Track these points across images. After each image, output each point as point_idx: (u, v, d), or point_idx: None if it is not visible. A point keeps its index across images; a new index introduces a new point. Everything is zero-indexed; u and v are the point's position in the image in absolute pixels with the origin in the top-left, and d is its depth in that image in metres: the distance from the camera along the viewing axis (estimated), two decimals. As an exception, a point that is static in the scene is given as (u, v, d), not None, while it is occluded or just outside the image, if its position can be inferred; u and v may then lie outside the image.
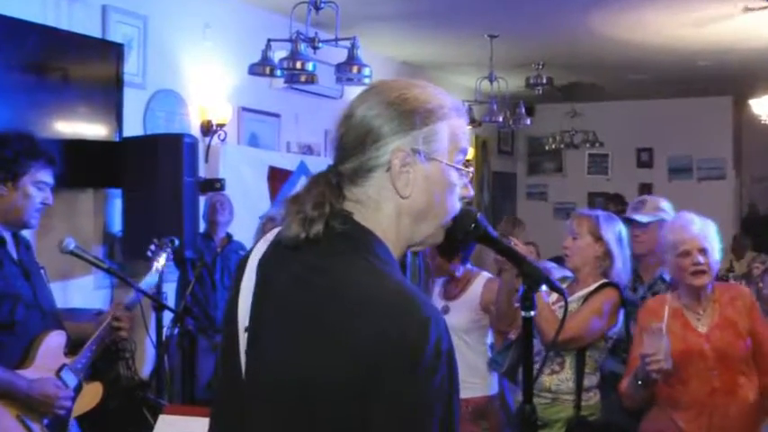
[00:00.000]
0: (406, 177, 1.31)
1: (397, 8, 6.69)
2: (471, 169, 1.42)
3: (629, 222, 3.65)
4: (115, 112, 5.20)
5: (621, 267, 3.30)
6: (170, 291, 5.37)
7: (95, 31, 5.20)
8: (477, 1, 6.62)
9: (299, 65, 4.62)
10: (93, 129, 5.08)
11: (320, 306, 1.24)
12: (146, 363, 5.24)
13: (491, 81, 7.59)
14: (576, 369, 3.21)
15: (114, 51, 5.18)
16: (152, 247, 3.42)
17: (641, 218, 3.69)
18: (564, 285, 3.34)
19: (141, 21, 5.55)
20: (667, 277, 3.60)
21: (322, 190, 1.30)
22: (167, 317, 3.92)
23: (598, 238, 3.29)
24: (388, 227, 1.33)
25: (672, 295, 3.09)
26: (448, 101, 1.37)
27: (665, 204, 3.81)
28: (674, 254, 3.00)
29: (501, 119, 7.78)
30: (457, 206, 1.39)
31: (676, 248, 2.99)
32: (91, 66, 5.07)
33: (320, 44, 4.70)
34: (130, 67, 5.41)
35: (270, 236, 1.40)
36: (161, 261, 3.37)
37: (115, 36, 5.30)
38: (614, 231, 3.32)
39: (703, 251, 2.96)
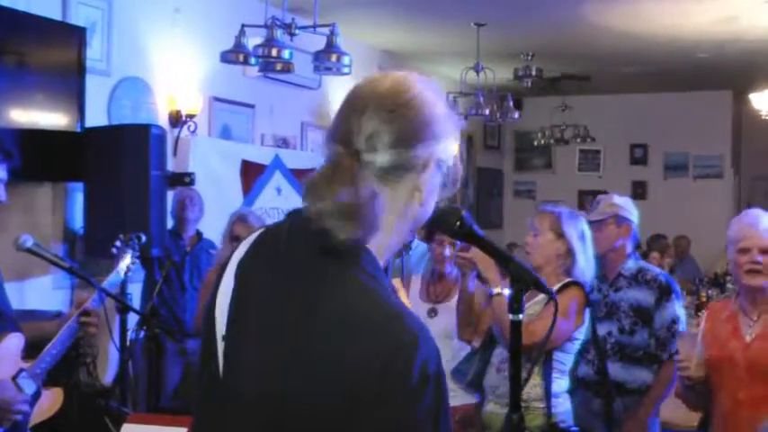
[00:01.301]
0: (430, 184, 1.35)
1: (379, -7, 6.68)
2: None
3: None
4: (76, 100, 5.15)
5: (585, 266, 3.35)
6: (136, 292, 5.33)
7: (55, 13, 5.16)
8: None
9: (274, 52, 4.60)
10: (52, 118, 5.03)
11: (303, 321, 1.24)
12: (108, 368, 5.20)
13: (477, 72, 7.60)
14: (543, 374, 3.23)
15: (76, 35, 5.14)
16: (117, 243, 3.39)
17: (592, 216, 3.77)
18: None
19: (106, 3, 5.51)
20: (627, 272, 3.75)
21: (364, 191, 1.28)
22: (132, 319, 3.88)
23: (560, 235, 3.35)
24: (393, 230, 1.34)
25: (735, 298, 3.13)
26: (452, 111, 1.42)
27: (619, 200, 3.89)
28: (735, 249, 3.03)
29: (487, 112, 7.80)
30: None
31: (737, 244, 3.02)
32: (50, 50, 5.02)
33: (297, 31, 4.68)
34: (94, 52, 5.36)
35: (250, 238, 1.39)
36: (126, 259, 3.34)
37: (77, 19, 5.25)
38: (577, 229, 3.38)
39: (765, 251, 2.98)
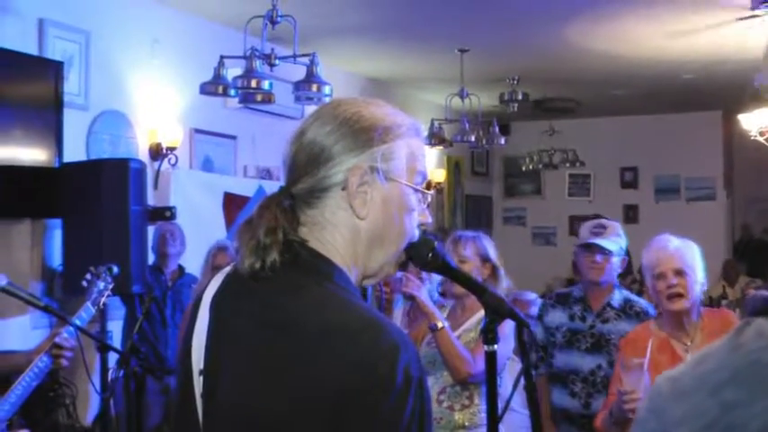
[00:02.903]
0: (363, 197, 1.32)
1: (361, 20, 6.75)
2: (432, 192, 1.44)
3: (589, 247, 3.68)
4: (54, 135, 5.17)
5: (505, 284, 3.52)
6: (116, 329, 5.33)
7: (32, 48, 5.19)
8: (446, 13, 6.70)
9: (254, 83, 4.64)
10: (29, 153, 5.05)
11: (280, 342, 1.24)
12: (89, 409, 5.18)
13: (462, 98, 7.66)
14: (486, 399, 3.27)
15: (53, 69, 5.17)
16: (87, 276, 3.38)
17: (607, 244, 3.69)
18: (444, 314, 3.50)
19: (83, 36, 5.55)
20: (615, 303, 3.72)
21: (274, 214, 1.31)
22: (113, 358, 3.89)
23: (485, 260, 3.53)
24: (346, 251, 1.34)
25: (656, 324, 3.12)
26: (405, 119, 1.40)
27: (620, 229, 3.84)
28: (650, 276, 3.05)
29: (473, 138, 7.85)
30: (415, 232, 1.40)
31: (653, 270, 3.04)
32: (27, 85, 5.05)
33: (277, 61, 4.73)
34: (71, 86, 5.40)
35: (225, 270, 1.40)
36: (100, 291, 3.33)
37: (53, 53, 5.29)
38: (494, 249, 3.59)
39: (680, 273, 2.99)
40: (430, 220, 1.44)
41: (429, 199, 1.42)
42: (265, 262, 1.28)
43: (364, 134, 1.33)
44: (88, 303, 3.28)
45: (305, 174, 1.33)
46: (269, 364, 1.24)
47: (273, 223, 1.30)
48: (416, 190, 1.38)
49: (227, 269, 1.40)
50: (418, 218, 1.40)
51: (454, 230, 11.05)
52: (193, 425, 1.33)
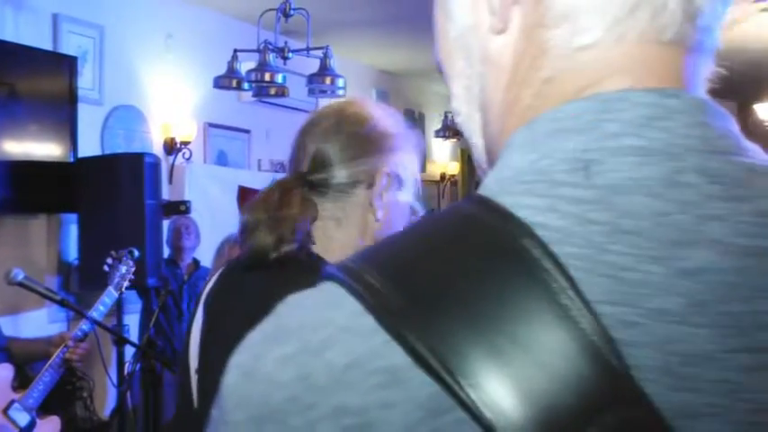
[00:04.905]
0: (383, 199, 1.33)
1: (373, 13, 6.75)
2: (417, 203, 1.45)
3: None
4: (69, 130, 5.20)
5: None
6: (132, 323, 5.36)
7: (46, 43, 5.21)
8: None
9: (267, 77, 4.66)
10: (44, 149, 5.08)
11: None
12: (106, 402, 5.21)
13: (477, 90, 7.63)
14: None
15: (67, 64, 5.19)
16: (108, 260, 3.39)
17: None
18: None
19: (97, 31, 5.57)
20: None
21: (299, 204, 1.30)
22: (129, 351, 3.91)
23: None
24: (351, 251, 1.33)
25: None
26: (411, 131, 1.43)
27: None
28: None
29: (488, 130, 7.82)
30: None
31: None
32: (41, 80, 5.07)
33: (290, 54, 4.74)
34: (85, 81, 5.42)
35: (222, 269, 1.41)
36: (122, 275, 3.33)
37: (68, 48, 5.31)
38: None
39: None
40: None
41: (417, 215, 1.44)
42: (279, 251, 1.27)
43: (390, 139, 1.36)
44: (111, 288, 3.29)
45: (334, 164, 1.34)
46: None
47: (298, 213, 1.29)
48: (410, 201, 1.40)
49: (223, 267, 1.41)
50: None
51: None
52: (193, 424, 1.33)
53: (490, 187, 0.52)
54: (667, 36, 0.53)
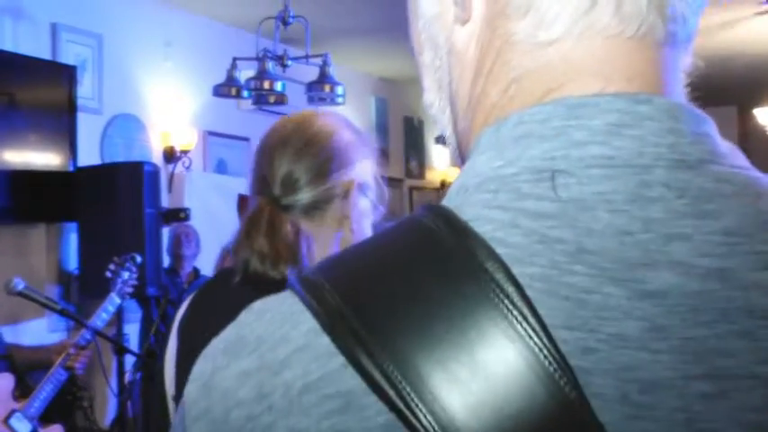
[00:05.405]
0: (356, 210, 1.36)
1: (372, 21, 6.75)
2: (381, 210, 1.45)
3: None
4: (68, 139, 5.20)
5: None
6: (133, 332, 5.35)
7: (44, 53, 5.22)
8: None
9: (266, 85, 4.66)
10: (44, 158, 5.08)
11: None
12: (107, 411, 5.20)
13: (476, 96, 7.64)
14: None
15: (66, 73, 5.19)
16: (111, 267, 3.38)
17: None
18: None
19: (95, 40, 5.57)
20: None
21: (286, 231, 1.31)
22: (130, 360, 3.91)
23: None
24: None
25: None
26: (366, 136, 1.46)
27: None
28: None
29: (488, 137, 7.83)
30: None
31: None
32: (41, 90, 5.07)
33: (289, 62, 4.74)
34: (84, 90, 5.42)
35: (194, 294, 1.42)
36: (125, 281, 3.32)
37: (67, 57, 5.32)
38: None
39: None
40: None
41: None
42: (269, 275, 1.28)
43: (354, 149, 1.38)
44: (113, 294, 3.28)
45: (307, 184, 1.34)
46: None
47: (285, 240, 1.30)
48: (373, 203, 1.42)
49: (195, 293, 1.41)
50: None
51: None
52: None
53: (453, 197, 0.51)
54: (632, 30, 0.51)
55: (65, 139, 5.19)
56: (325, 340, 0.45)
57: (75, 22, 5.43)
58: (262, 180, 1.38)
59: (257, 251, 1.29)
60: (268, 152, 1.39)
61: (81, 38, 5.47)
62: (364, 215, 1.39)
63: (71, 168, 5.18)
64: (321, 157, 1.35)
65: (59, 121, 5.16)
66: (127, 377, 3.89)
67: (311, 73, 4.81)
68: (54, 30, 5.31)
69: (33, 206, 4.82)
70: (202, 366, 0.51)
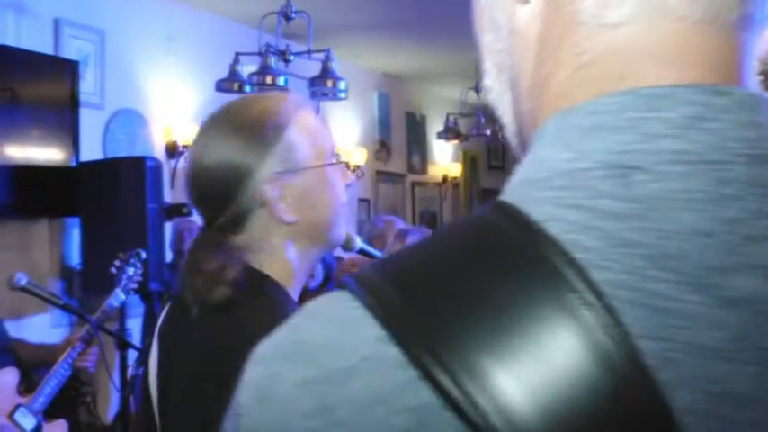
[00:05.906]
0: (285, 203, 1.29)
1: (375, 16, 6.75)
2: (342, 157, 1.41)
3: None
4: (71, 134, 5.20)
5: None
6: (135, 327, 5.35)
7: (47, 48, 5.22)
8: (461, 7, 6.67)
9: (269, 80, 4.66)
10: (46, 153, 5.08)
11: (224, 370, 1.23)
12: (109, 406, 5.21)
13: (478, 92, 7.64)
14: None
15: (68, 69, 5.19)
16: (116, 262, 3.39)
17: None
18: None
19: (98, 35, 5.57)
20: None
21: (222, 259, 1.27)
22: (132, 355, 3.91)
23: (404, 241, 3.67)
24: (284, 261, 1.32)
25: None
26: (287, 99, 1.35)
27: None
28: None
29: (489, 132, 7.83)
30: (343, 197, 1.37)
31: None
32: (43, 85, 5.08)
33: (292, 57, 4.75)
34: (87, 85, 5.42)
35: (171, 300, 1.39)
36: (130, 277, 3.33)
37: (69, 52, 5.32)
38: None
39: None
40: (352, 178, 1.44)
41: (340, 160, 1.39)
42: (233, 296, 1.25)
43: (260, 138, 1.28)
44: (118, 290, 3.28)
45: (223, 205, 1.30)
46: (203, 395, 1.20)
47: (222, 264, 1.26)
48: (329, 165, 1.34)
49: (175, 296, 1.38)
50: (343, 182, 1.38)
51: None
52: None
53: (516, 191, 0.48)
54: (701, 11, 0.48)
55: (67, 134, 5.19)
56: (393, 351, 0.42)
57: (78, 18, 5.43)
58: (196, 206, 1.38)
59: (203, 272, 1.26)
60: (186, 179, 1.36)
61: (83, 33, 5.47)
62: (312, 192, 1.32)
63: (73, 163, 5.18)
64: (218, 179, 1.30)
65: (62, 116, 5.16)
66: (129, 372, 3.89)
67: (314, 68, 4.81)
68: (56, 25, 5.31)
69: (36, 201, 4.82)
70: (256, 372, 0.47)
